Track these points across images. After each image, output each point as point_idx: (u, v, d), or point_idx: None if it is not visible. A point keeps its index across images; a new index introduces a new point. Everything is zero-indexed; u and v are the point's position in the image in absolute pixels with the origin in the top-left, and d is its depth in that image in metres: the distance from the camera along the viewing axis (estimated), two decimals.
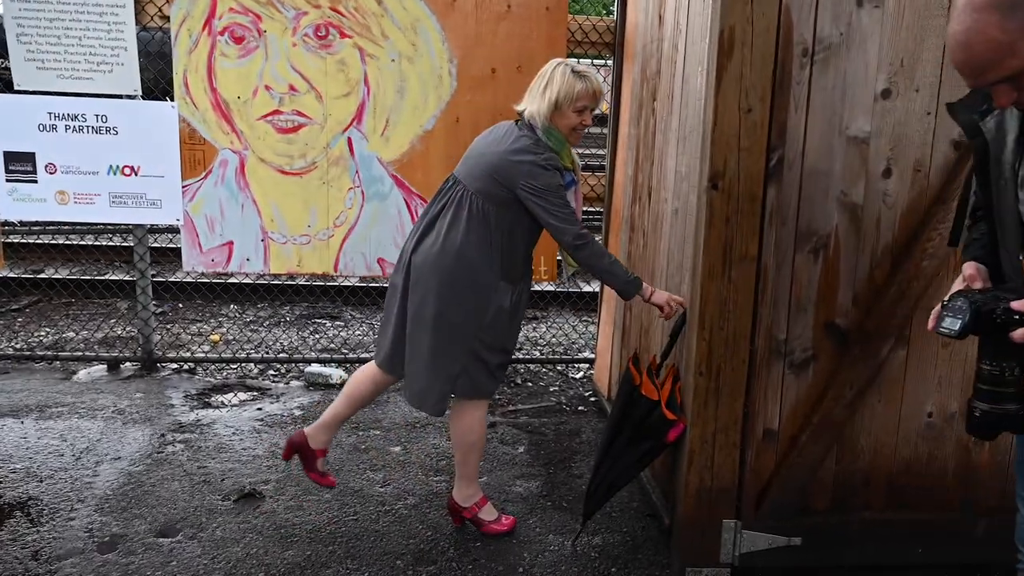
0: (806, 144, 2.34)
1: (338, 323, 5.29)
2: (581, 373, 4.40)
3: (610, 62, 4.00)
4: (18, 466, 3.10)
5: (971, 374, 2.41)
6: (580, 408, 3.92)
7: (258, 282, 5.64)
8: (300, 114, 3.82)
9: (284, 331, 5.03)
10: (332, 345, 4.82)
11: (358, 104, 3.85)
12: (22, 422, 3.49)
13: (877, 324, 2.37)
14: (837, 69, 2.31)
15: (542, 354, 4.65)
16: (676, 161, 2.77)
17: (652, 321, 3.01)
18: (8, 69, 3.69)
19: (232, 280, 5.60)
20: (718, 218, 2.32)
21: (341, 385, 4.08)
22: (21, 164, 3.71)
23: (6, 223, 3.89)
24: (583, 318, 5.27)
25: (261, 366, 4.38)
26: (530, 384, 4.24)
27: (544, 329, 5.16)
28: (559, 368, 4.48)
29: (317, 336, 5.00)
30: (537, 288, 5.42)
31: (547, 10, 3.78)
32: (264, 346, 4.71)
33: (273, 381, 4.21)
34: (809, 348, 2.41)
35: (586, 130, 2.58)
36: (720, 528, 2.43)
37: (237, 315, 5.37)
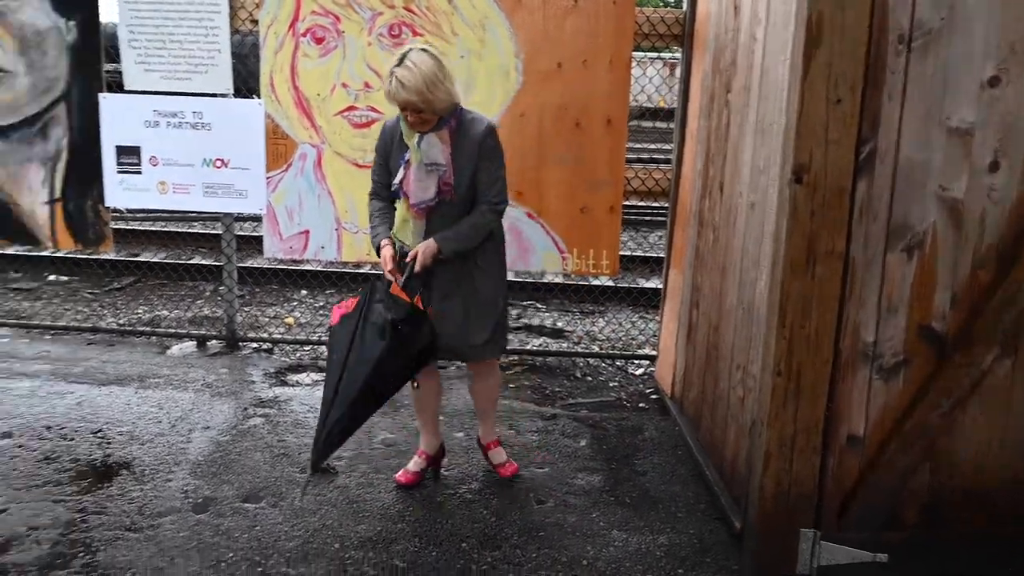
0: (901, 135, 2.03)
1: None
2: (641, 370, 4.12)
3: (679, 55, 3.71)
4: (124, 429, 3.14)
5: None
6: (641, 405, 3.65)
7: (328, 270, 5.57)
8: (373, 110, 3.69)
9: None
10: None
11: None
12: (125, 390, 3.54)
13: (980, 330, 2.05)
14: (937, 56, 2.00)
15: (601, 349, 4.39)
16: (753, 154, 2.49)
17: (722, 318, 2.74)
18: (119, 72, 3.77)
19: (305, 267, 5.55)
20: (802, 212, 2.04)
21: None
22: (129, 157, 3.79)
23: (115, 210, 3.94)
24: (642, 314, 4.98)
25: None
26: (589, 378, 3.99)
27: (603, 324, 4.90)
28: (618, 364, 4.20)
29: None
30: (596, 282, 5.16)
31: (614, 4, 3.52)
32: None
33: None
34: (900, 352, 2.10)
35: (414, 126, 2.44)
36: (797, 537, 2.16)
37: (308, 300, 5.31)
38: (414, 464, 2.80)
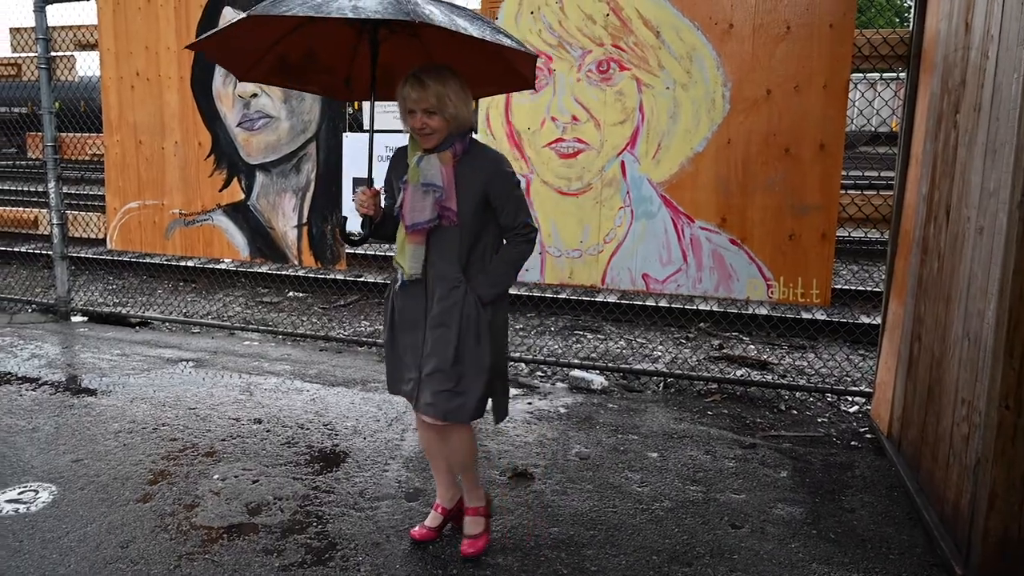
0: None
1: (599, 336, 5.40)
2: (856, 408, 4.00)
3: (902, 75, 3.64)
4: (349, 424, 3.69)
5: None
6: (853, 443, 3.57)
7: (529, 294, 5.99)
8: (580, 141, 4.02)
9: (551, 339, 5.26)
10: (594, 355, 4.93)
11: (632, 130, 3.94)
12: (350, 391, 4.15)
13: None
14: None
15: (810, 382, 4.31)
16: (983, 177, 2.44)
17: (946, 350, 2.67)
18: (353, 114, 4.45)
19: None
20: None
21: (602, 391, 4.20)
22: (362, 187, 4.42)
23: (350, 234, 4.61)
24: (860, 351, 4.80)
25: (531, 366, 4.63)
26: (795, 412, 3.96)
27: (813, 357, 4.79)
28: (829, 399, 4.12)
29: (579, 346, 5.15)
30: (806, 315, 5.06)
31: (830, 27, 3.55)
32: (533, 349, 4.96)
33: (540, 381, 4.41)
34: None
35: (421, 133, 2.39)
36: None
37: (509, 322, 5.73)
38: (431, 519, 2.71)
